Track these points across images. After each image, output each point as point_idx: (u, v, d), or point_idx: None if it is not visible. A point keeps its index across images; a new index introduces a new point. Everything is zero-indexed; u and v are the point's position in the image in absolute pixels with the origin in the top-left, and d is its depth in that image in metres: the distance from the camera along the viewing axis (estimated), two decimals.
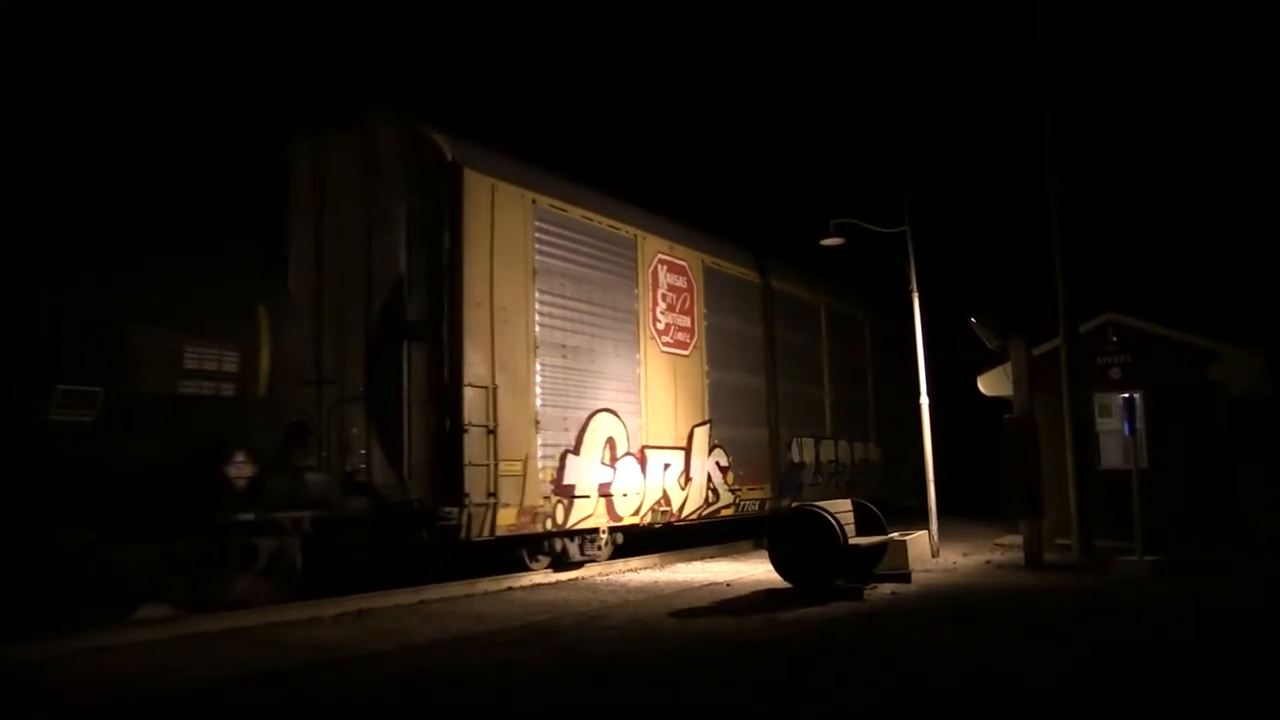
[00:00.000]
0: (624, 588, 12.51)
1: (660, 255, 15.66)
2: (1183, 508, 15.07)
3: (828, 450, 20.48)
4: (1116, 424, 15.01)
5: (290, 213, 12.36)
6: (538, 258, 13.10)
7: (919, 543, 13.84)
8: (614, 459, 14.04)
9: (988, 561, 14.70)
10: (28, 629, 8.29)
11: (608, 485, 13.92)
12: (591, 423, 13.65)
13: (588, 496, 13.49)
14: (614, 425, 14.10)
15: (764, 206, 30.70)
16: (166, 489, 9.15)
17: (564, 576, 13.48)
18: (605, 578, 13.66)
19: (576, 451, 13.34)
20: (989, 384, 17.67)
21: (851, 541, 11.48)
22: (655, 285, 15.42)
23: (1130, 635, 8.96)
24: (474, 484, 11.65)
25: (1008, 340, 15.47)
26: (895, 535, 12.90)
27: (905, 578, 12.37)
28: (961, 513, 21.12)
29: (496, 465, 11.94)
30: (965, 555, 15.59)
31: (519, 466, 12.34)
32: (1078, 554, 14.43)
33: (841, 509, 11.97)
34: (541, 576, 13.19)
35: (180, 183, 11.20)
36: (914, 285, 16.07)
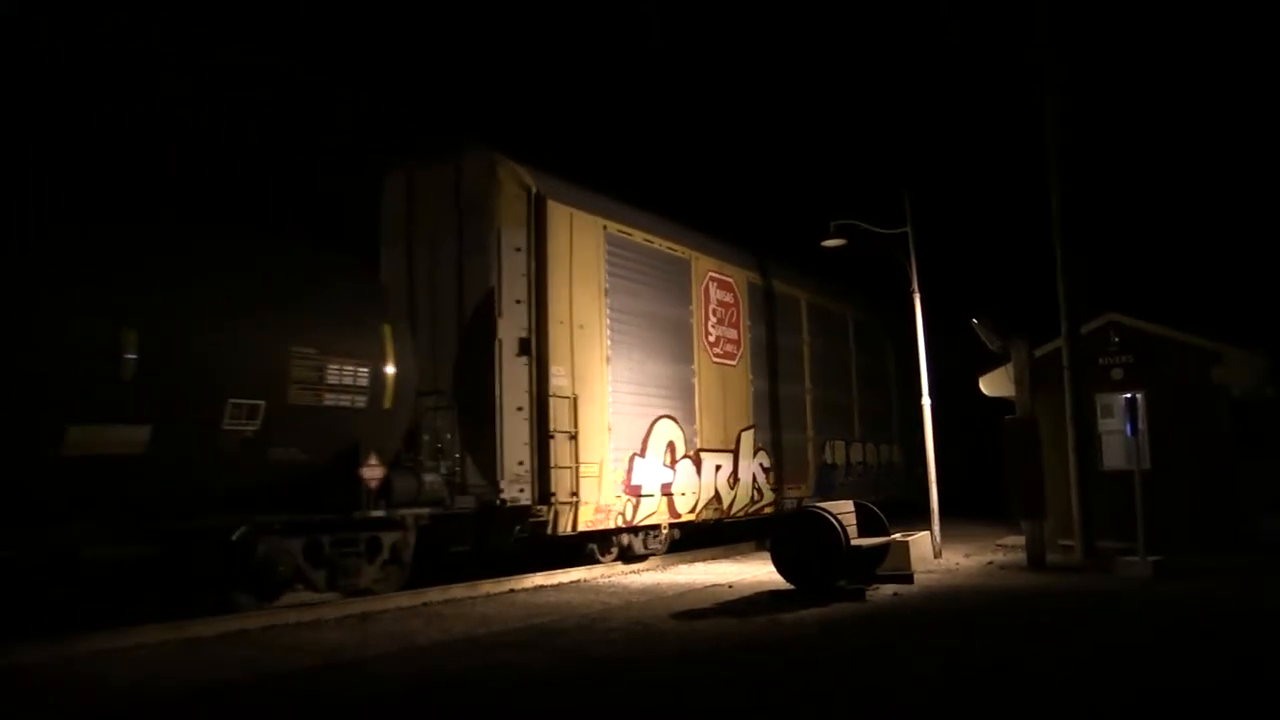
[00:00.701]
0: (626, 590, 12.50)
1: (711, 273, 16.95)
2: (1185, 508, 15.04)
3: (856, 452, 21.67)
4: (1118, 424, 14.99)
5: (382, 237, 13.72)
6: (608, 278, 14.43)
7: (921, 544, 13.83)
8: (674, 461, 15.38)
9: (990, 562, 14.68)
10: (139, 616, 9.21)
11: (669, 485, 15.21)
12: (654, 428, 15.00)
13: (652, 495, 14.80)
14: (673, 430, 15.44)
15: (766, 208, 30.71)
16: (311, 490, 10.52)
17: (567, 579, 13.48)
18: (608, 579, 13.66)
19: (642, 454, 14.67)
20: (991, 385, 17.64)
21: (853, 543, 11.47)
22: (707, 301, 16.71)
23: (1132, 637, 8.95)
24: (560, 485, 13.03)
25: (1009, 341, 15.45)
26: (897, 536, 12.89)
27: (907, 579, 12.36)
28: (965, 513, 21.26)
29: (578, 468, 13.30)
30: (967, 556, 15.57)
31: (596, 469, 13.67)
32: (1080, 555, 14.41)
33: (843, 510, 11.96)
34: (543, 578, 13.19)
35: (314, 217, 11.87)
36: (915, 286, 16.06)
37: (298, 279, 10.82)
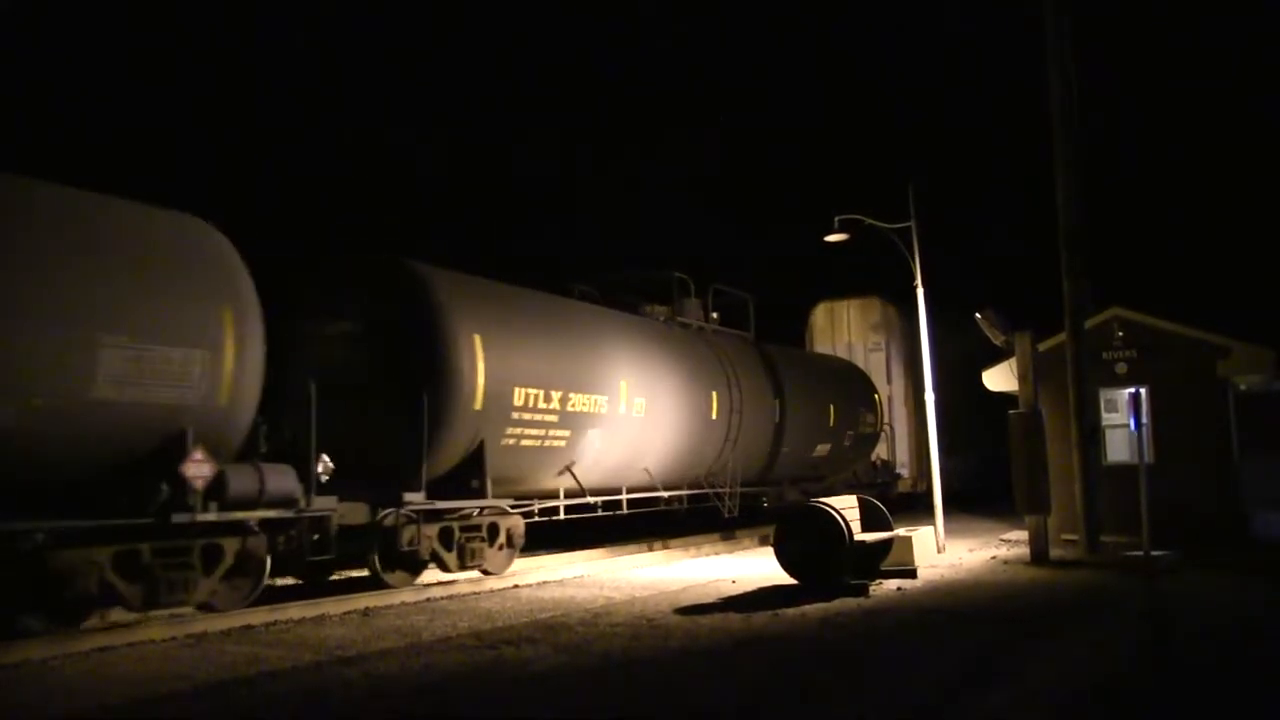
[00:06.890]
0: (629, 584, 12.53)
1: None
2: (1189, 503, 14.98)
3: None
4: (1123, 419, 14.98)
5: (813, 340, 26.16)
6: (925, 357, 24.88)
7: (925, 538, 13.83)
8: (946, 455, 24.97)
9: (993, 557, 14.69)
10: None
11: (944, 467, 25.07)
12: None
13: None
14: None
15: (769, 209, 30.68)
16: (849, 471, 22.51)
17: (571, 573, 13.53)
18: (611, 574, 13.68)
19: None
20: (995, 379, 17.61)
21: (857, 538, 11.47)
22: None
23: (1133, 633, 8.96)
24: (920, 468, 23.50)
25: (1013, 335, 15.40)
26: (901, 531, 12.90)
27: (911, 574, 12.37)
28: (970, 508, 21.34)
29: (907, 457, 24.97)
30: (971, 551, 15.59)
31: (930, 459, 22.72)
32: (1083, 550, 14.39)
33: (847, 504, 11.97)
34: (547, 574, 13.24)
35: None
36: (919, 280, 16.05)
37: (843, 374, 23.00)
